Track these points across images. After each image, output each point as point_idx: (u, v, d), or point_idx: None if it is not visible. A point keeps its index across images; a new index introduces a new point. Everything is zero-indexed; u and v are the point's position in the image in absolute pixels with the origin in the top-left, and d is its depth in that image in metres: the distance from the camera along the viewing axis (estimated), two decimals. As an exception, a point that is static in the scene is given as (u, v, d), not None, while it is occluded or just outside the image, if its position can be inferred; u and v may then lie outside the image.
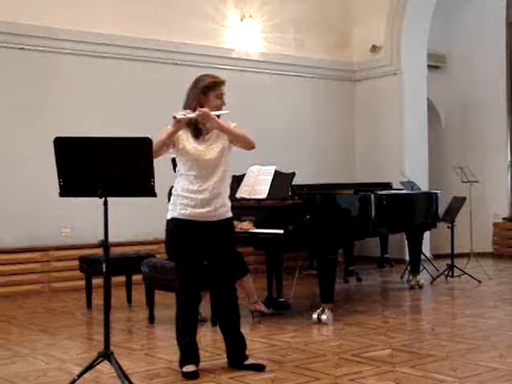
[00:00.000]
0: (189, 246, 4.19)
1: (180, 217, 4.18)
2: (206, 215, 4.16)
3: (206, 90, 4.18)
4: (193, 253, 4.20)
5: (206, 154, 4.15)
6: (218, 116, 4.17)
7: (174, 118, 4.02)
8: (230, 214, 4.31)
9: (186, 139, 4.17)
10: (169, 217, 4.26)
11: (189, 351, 4.21)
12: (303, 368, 4.32)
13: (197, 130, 4.17)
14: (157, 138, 4.07)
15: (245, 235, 5.82)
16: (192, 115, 4.06)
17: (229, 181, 4.33)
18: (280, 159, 7.58)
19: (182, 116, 4.03)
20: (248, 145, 4.22)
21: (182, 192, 4.17)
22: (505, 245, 11.22)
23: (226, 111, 4.22)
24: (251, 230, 5.89)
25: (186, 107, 4.20)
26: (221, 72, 8.34)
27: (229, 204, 4.30)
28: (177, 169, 4.28)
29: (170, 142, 4.12)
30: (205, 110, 4.06)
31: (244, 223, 5.85)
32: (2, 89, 7.91)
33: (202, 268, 4.28)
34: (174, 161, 5.73)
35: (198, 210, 4.14)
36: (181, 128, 4.09)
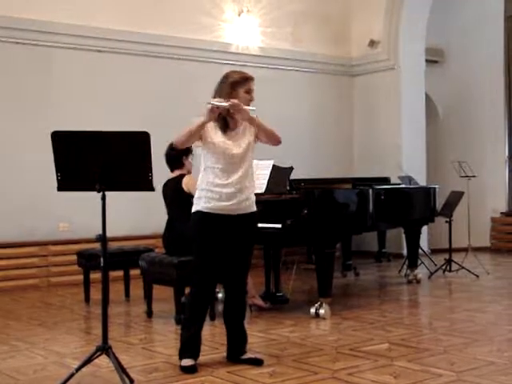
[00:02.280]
0: (211, 240, 4.17)
1: (204, 210, 4.17)
2: (229, 209, 4.14)
3: (235, 85, 4.18)
4: (214, 247, 4.18)
5: (233, 149, 4.15)
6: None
7: (209, 103, 3.99)
8: (254, 208, 4.29)
9: (213, 132, 4.16)
10: (193, 210, 4.24)
11: (190, 344, 4.22)
12: (301, 362, 4.33)
13: (225, 123, 4.16)
14: (185, 128, 4.07)
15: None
16: (224, 104, 4.04)
17: (253, 175, 4.33)
18: (278, 153, 7.56)
19: (216, 103, 4.01)
20: (275, 140, 4.23)
21: (208, 186, 4.16)
22: (502, 239, 11.24)
23: (253, 108, 4.20)
24: None
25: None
26: (219, 66, 8.37)
27: (253, 198, 4.28)
28: (202, 162, 4.25)
29: (199, 132, 4.10)
30: (236, 101, 4.06)
31: None
32: (0, 84, 7.89)
33: (220, 263, 4.25)
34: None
35: (221, 204, 4.13)
36: (213, 118, 4.07)
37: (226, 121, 4.16)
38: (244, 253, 4.30)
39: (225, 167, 4.14)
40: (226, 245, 4.23)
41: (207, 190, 4.16)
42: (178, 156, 5.74)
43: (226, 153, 4.13)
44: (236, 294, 4.35)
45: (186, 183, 5.62)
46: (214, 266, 4.21)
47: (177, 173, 5.79)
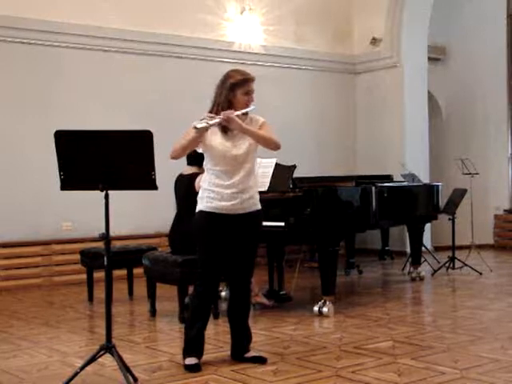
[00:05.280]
0: (213, 239, 4.17)
1: (206, 209, 4.16)
2: (231, 208, 4.14)
3: (233, 87, 4.16)
4: (217, 246, 4.18)
5: (233, 150, 4.13)
6: (246, 114, 4.17)
7: (195, 128, 3.98)
8: (258, 207, 4.27)
9: (213, 134, 4.14)
10: (197, 209, 4.24)
11: (194, 343, 4.22)
12: (305, 360, 4.33)
13: (224, 125, 4.15)
14: (180, 139, 4.07)
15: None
16: (215, 121, 4.02)
17: (256, 174, 4.31)
18: (280, 152, 7.56)
19: (204, 125, 3.99)
20: (271, 145, 4.19)
21: (209, 186, 4.16)
22: (506, 237, 11.24)
23: (252, 107, 4.19)
24: None
25: (214, 103, 4.18)
26: (221, 65, 8.37)
27: (257, 196, 4.27)
28: (204, 163, 4.26)
29: (194, 145, 4.12)
30: (228, 113, 4.03)
31: None
32: (5, 83, 7.90)
33: (224, 262, 4.25)
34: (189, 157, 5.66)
35: (223, 203, 4.12)
36: (205, 132, 4.06)
37: None
38: (248, 251, 4.30)
39: (225, 169, 4.12)
40: (230, 244, 4.22)
41: (209, 191, 4.16)
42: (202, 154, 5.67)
43: (227, 155, 4.11)
44: (240, 292, 4.35)
45: (197, 184, 5.57)
46: (217, 265, 4.21)
47: (193, 169, 5.71)
